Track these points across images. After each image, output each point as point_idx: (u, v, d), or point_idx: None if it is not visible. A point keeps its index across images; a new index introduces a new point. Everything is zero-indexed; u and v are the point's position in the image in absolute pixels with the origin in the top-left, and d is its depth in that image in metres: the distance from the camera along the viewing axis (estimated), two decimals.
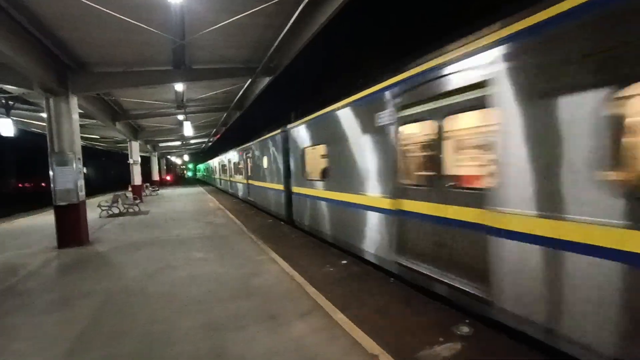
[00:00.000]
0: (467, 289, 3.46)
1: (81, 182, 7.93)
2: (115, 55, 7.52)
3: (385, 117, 4.63)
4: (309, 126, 7.56)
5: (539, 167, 2.73)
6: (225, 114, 15.66)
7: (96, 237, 8.72)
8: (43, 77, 6.74)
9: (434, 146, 3.93)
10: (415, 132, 4.56)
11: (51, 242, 7.87)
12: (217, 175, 28.49)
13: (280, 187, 9.88)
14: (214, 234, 8.52)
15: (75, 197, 7.71)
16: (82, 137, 9.26)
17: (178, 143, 27.78)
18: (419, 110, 4.09)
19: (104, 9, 5.23)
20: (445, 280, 3.74)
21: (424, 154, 4.27)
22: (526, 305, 2.83)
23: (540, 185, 2.72)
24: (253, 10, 5.65)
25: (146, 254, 6.71)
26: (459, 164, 4.08)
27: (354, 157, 5.59)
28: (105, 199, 14.21)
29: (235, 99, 12.54)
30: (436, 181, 3.91)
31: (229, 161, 20.24)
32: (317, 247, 7.21)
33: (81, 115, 10.25)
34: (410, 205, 4.30)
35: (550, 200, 2.64)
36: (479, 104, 3.27)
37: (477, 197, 3.33)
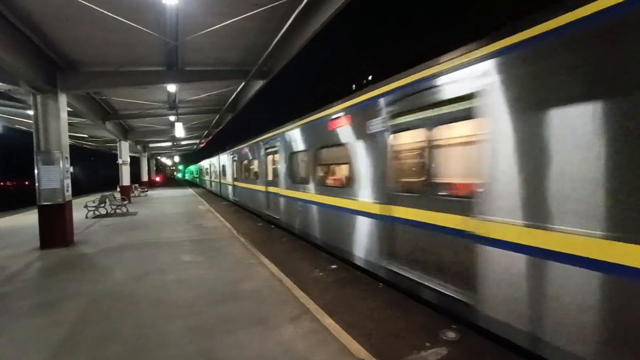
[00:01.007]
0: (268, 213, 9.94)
1: (68, 182, 7.77)
2: (107, 54, 7.44)
3: (229, 159, 16.38)
4: (220, 157, 19.69)
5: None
6: (217, 116, 15.58)
7: (82, 238, 8.52)
8: (31, 74, 6.61)
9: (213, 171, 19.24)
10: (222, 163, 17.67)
11: (34, 243, 7.66)
12: (203, 177, 35.22)
13: (217, 181, 22.31)
14: (203, 236, 8.43)
15: (61, 197, 7.55)
16: (70, 136, 9.07)
17: (169, 144, 27.46)
18: (235, 158, 14.98)
19: (96, 8, 5.19)
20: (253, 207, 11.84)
21: (216, 171, 18.96)
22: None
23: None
24: (248, 14, 5.69)
25: (134, 256, 6.60)
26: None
27: (228, 170, 17.15)
28: (92, 199, 13.91)
29: (228, 102, 12.51)
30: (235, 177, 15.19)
31: (203, 167, 32.03)
32: (306, 252, 7.21)
33: (70, 114, 10.08)
34: (239, 183, 14.23)
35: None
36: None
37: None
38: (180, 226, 10.10)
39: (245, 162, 13.31)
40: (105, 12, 5.31)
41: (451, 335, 3.47)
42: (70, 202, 7.91)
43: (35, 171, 7.38)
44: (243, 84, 9.55)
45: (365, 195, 5.05)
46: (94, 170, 56.86)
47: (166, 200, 19.81)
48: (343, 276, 5.51)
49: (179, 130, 12.83)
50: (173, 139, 22.39)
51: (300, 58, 7.82)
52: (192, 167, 54.89)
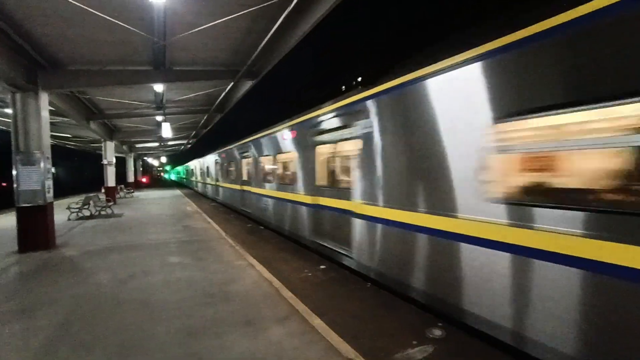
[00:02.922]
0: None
1: (49, 183, 7.54)
2: (92, 52, 7.26)
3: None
4: (190, 165, 34.36)
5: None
6: (205, 116, 15.41)
7: (64, 240, 8.28)
8: (9, 72, 6.39)
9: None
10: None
11: (12, 246, 7.40)
12: (190, 178, 40.26)
13: (192, 179, 31.80)
14: (191, 238, 8.32)
15: (42, 199, 7.32)
16: (52, 136, 8.81)
17: (156, 144, 26.97)
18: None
19: (80, 4, 5.07)
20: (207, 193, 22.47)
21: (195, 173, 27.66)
22: None
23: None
24: (237, 14, 5.66)
25: (118, 258, 6.45)
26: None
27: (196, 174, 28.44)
28: (76, 200, 13.53)
29: (217, 102, 12.39)
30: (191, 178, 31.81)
31: (190, 168, 36.88)
32: (295, 252, 7.20)
33: (52, 113, 9.79)
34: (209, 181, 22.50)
35: None
36: None
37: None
38: (167, 227, 9.93)
39: (189, 169, 24.48)
40: (89, 9, 5.19)
41: (437, 332, 3.53)
42: (51, 203, 7.68)
43: (14, 172, 7.14)
44: (232, 84, 9.48)
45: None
46: (78, 171, 55.26)
47: (153, 202, 19.45)
48: (331, 276, 5.53)
49: (166, 131, 12.59)
50: (160, 139, 22.01)
51: (290, 58, 7.82)
52: (179, 168, 54.09)
